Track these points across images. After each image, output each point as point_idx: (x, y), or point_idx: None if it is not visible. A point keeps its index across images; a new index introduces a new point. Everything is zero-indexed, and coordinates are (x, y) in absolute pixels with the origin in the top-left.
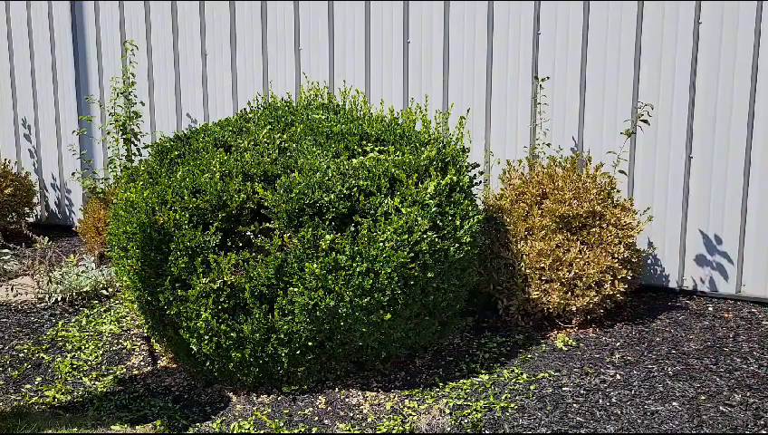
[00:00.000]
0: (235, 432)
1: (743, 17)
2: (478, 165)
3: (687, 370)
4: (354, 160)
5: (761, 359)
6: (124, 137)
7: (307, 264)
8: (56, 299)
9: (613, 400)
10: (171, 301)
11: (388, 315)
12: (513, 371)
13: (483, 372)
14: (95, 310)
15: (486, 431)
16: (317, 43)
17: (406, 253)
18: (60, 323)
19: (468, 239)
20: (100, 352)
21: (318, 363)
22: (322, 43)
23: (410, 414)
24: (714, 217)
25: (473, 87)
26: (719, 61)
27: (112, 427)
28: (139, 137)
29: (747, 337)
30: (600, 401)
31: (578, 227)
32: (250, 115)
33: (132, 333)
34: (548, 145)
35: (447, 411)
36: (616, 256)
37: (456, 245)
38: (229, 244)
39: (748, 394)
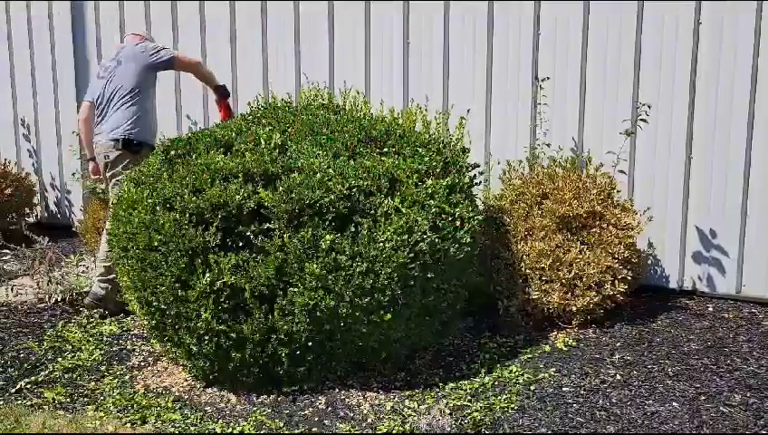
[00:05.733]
0: (235, 432)
1: (743, 17)
2: (478, 165)
3: (687, 370)
4: (354, 161)
5: (761, 359)
6: None
7: (307, 264)
8: (56, 299)
9: (613, 400)
10: (171, 301)
11: (389, 316)
12: (513, 371)
13: (483, 372)
14: (95, 310)
15: (487, 432)
16: (317, 42)
17: (406, 253)
18: (60, 323)
19: (468, 240)
20: (101, 352)
21: (318, 363)
22: (322, 43)
23: (410, 414)
24: (714, 217)
25: (473, 87)
26: (719, 61)
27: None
28: None
29: (747, 337)
30: (600, 401)
31: (578, 227)
32: (250, 115)
33: (132, 333)
34: (548, 145)
35: (448, 412)
36: (616, 256)
37: (456, 245)
38: (229, 244)
39: (748, 394)
